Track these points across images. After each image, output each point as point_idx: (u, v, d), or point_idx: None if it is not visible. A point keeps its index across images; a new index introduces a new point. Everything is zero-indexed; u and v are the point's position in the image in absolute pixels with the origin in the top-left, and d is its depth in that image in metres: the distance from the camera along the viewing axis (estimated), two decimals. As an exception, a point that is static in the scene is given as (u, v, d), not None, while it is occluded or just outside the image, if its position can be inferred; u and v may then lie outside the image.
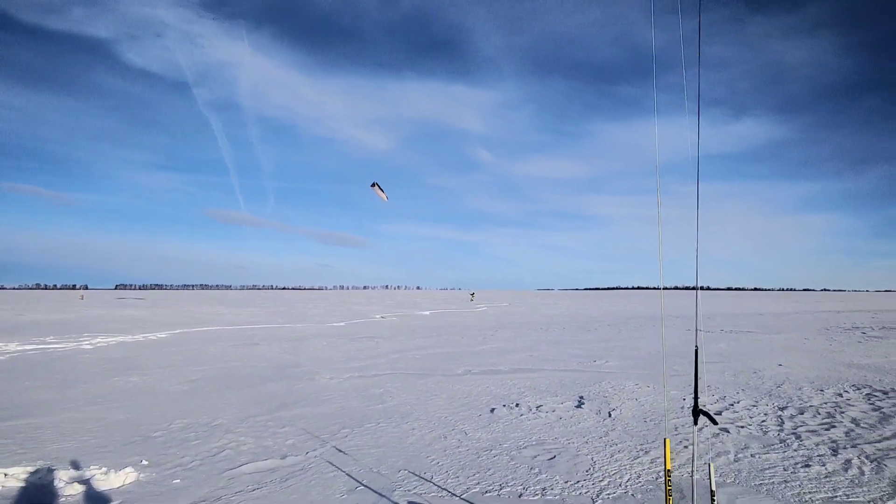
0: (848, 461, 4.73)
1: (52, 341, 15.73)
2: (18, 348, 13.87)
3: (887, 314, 30.21)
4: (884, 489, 4.09)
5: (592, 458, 4.91)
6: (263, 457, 5.02)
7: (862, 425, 5.97)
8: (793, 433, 5.65)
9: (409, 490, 4.17)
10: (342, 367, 10.79)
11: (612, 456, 4.97)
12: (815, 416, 6.42)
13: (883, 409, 6.70)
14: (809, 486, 4.17)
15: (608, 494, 4.06)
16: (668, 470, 2.62)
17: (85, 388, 8.43)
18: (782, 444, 5.25)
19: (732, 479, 4.31)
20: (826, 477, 4.36)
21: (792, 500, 3.89)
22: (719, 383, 8.59)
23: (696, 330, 2.94)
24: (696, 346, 2.80)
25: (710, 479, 2.66)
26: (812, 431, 5.72)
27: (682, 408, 6.85)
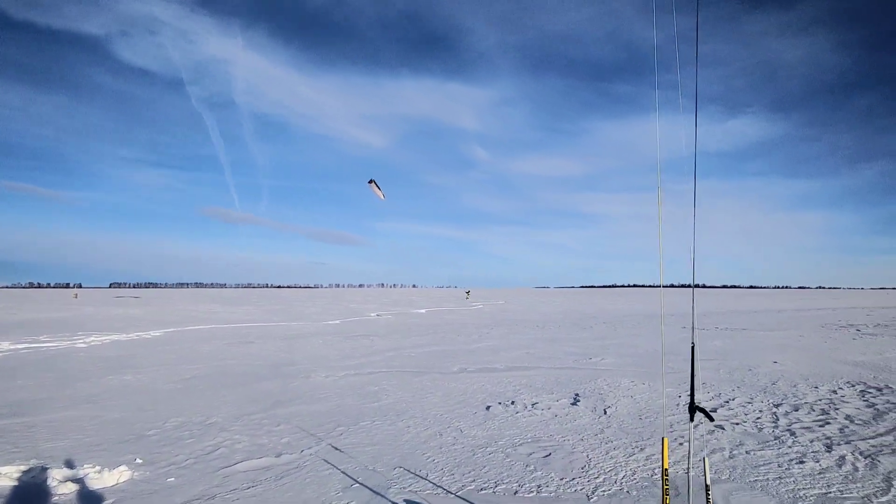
0: (842, 457, 4.76)
1: (46, 340, 15.61)
2: (11, 347, 13.75)
3: (882, 311, 30.45)
4: (877, 485, 4.11)
5: (588, 456, 4.91)
6: (258, 455, 5.00)
7: (856, 422, 6.00)
8: (787, 430, 5.68)
9: (404, 488, 4.16)
10: (337, 365, 10.77)
11: (607, 453, 4.98)
12: (809, 412, 6.45)
13: (877, 406, 6.74)
14: (804, 482, 4.19)
15: (603, 491, 4.06)
16: (666, 468, 2.62)
17: (79, 387, 8.37)
18: (777, 441, 5.28)
19: (727, 476, 4.33)
20: (820, 473, 4.38)
21: (786, 497, 3.90)
22: (714, 380, 8.62)
23: (693, 328, 2.94)
24: (693, 344, 2.80)
25: (705, 475, 2.66)
26: (806, 428, 5.75)
27: (678, 405, 6.87)
